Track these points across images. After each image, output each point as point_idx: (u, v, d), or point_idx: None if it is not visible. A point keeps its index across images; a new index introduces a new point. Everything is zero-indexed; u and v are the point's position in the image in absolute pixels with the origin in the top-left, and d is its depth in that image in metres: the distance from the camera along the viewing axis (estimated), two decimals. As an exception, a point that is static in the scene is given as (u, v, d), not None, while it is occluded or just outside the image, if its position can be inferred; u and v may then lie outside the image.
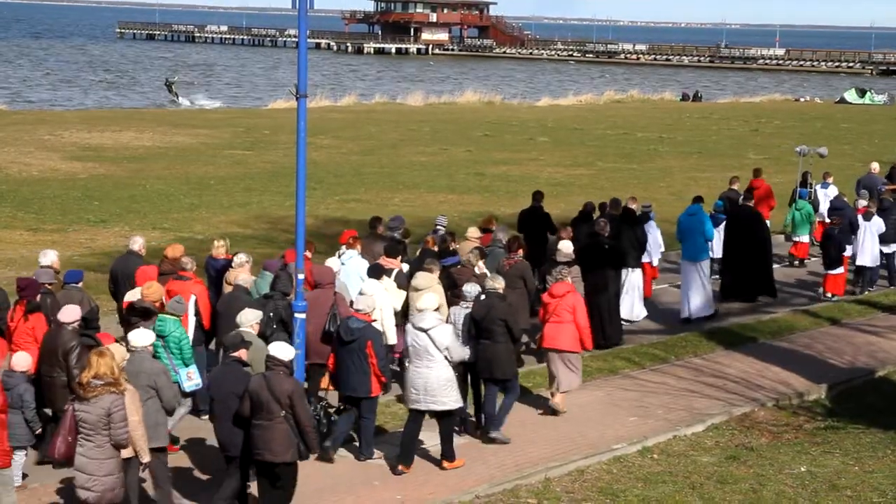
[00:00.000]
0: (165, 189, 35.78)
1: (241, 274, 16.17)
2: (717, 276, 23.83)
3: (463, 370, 15.16)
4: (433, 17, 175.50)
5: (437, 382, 14.01)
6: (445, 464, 14.18)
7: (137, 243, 17.46)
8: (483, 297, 15.30)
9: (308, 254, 16.74)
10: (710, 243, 22.48)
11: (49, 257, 16.22)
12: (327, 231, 26.88)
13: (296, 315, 14.83)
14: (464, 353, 14.58)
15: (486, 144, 51.66)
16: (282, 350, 12.13)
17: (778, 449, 15.10)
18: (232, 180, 38.21)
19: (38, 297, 14.75)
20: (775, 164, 46.33)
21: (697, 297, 21.79)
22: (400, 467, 14.06)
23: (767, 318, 22.22)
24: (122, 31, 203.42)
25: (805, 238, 26.77)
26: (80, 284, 15.54)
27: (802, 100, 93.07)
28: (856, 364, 19.26)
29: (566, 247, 18.33)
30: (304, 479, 13.66)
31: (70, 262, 23.54)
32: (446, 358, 14.09)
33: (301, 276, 15.05)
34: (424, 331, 14.09)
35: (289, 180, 34.49)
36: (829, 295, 23.88)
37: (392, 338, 16.19)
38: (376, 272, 16.63)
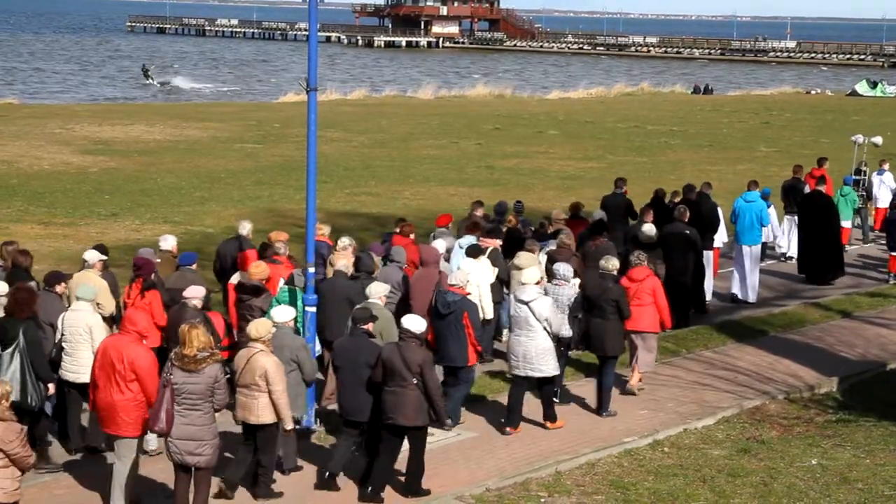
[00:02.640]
0: (176, 182, 35.82)
1: (342, 259, 16.70)
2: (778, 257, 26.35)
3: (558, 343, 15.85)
4: (444, 11, 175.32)
5: (535, 351, 14.99)
6: (548, 424, 15.27)
7: (246, 228, 18.51)
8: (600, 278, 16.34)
9: (412, 235, 18.70)
10: (764, 228, 23.59)
11: (169, 242, 17.33)
12: (337, 224, 26.85)
13: (307, 309, 14.85)
14: (561, 324, 15.41)
15: (496, 138, 51.62)
16: (414, 322, 13.06)
17: (789, 442, 15.08)
18: (242, 174, 38.23)
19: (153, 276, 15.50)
20: (786, 156, 46.26)
21: (751, 279, 22.87)
22: (507, 429, 15.10)
23: (778, 310, 22.20)
24: (133, 24, 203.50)
25: (847, 223, 27.30)
26: (193, 266, 16.34)
27: (813, 92, 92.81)
28: (867, 357, 19.23)
29: (649, 230, 19.64)
30: (315, 472, 13.69)
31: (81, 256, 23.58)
32: (545, 329, 14.95)
33: (311, 270, 15.06)
34: (525, 303, 15.02)
35: (299, 174, 34.51)
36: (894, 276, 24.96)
37: (489, 312, 17.17)
38: (474, 252, 17.46)
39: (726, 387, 17.35)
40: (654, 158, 45.40)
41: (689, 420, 15.84)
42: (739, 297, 22.88)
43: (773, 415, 16.33)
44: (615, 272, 16.33)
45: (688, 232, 20.58)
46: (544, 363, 15.03)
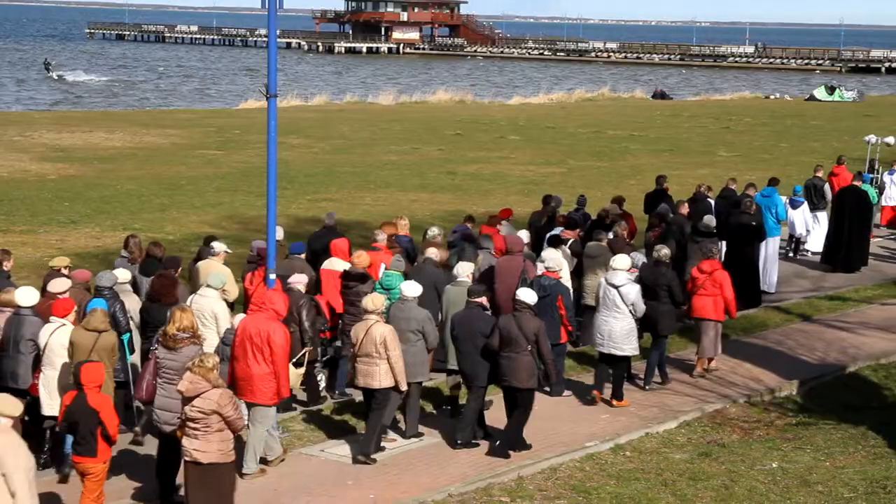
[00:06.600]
0: (136, 189, 35.61)
1: (431, 248, 17.96)
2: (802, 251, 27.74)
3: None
4: (404, 17, 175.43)
5: (619, 332, 16.44)
6: (615, 402, 16.48)
7: (333, 219, 20.02)
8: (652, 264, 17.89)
9: (498, 227, 20.11)
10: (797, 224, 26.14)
11: (278, 233, 18.31)
12: (299, 230, 26.79)
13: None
14: (644, 310, 16.61)
15: (457, 143, 51.65)
16: (528, 295, 14.55)
17: (749, 445, 15.16)
18: (203, 180, 38.06)
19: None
20: (746, 161, 46.54)
21: (770, 269, 24.01)
22: (594, 392, 16.59)
23: (739, 314, 22.24)
24: (92, 31, 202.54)
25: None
26: (302, 256, 17.67)
27: (773, 97, 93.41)
28: (827, 360, 19.35)
29: (710, 220, 21.57)
30: (278, 478, 13.70)
31: (40, 264, 23.43)
32: (630, 312, 16.38)
33: (272, 276, 15.12)
34: (616, 287, 16.44)
35: (260, 180, 34.36)
36: None
37: None
38: (555, 242, 19.15)
39: (687, 390, 17.43)
40: (614, 163, 45.54)
41: (650, 424, 15.90)
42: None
43: (734, 418, 16.41)
44: (667, 259, 17.68)
45: (754, 223, 22.63)
46: (627, 343, 16.44)
